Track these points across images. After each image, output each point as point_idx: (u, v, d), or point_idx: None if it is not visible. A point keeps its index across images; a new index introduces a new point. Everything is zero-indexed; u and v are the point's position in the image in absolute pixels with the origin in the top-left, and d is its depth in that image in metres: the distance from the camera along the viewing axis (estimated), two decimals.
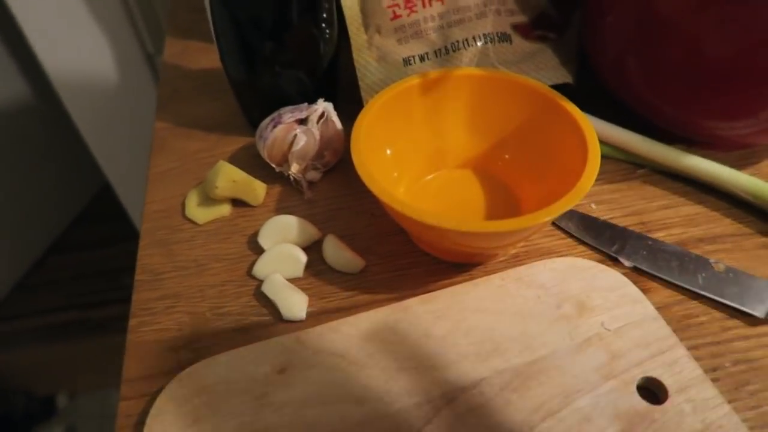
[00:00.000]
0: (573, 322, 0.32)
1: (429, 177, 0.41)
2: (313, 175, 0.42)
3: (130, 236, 1.35)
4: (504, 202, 0.39)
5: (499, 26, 0.43)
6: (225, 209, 0.41)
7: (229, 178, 0.39)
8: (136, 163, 1.05)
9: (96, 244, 1.66)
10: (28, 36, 0.84)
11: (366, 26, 0.44)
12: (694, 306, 0.33)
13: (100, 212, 1.72)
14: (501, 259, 0.37)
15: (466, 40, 0.43)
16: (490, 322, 0.32)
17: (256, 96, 0.45)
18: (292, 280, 0.36)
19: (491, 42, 0.43)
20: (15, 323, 1.53)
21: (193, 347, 0.34)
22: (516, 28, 0.44)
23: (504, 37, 0.43)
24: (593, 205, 0.40)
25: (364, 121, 0.36)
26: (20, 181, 1.50)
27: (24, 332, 1.51)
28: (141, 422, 0.30)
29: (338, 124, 0.42)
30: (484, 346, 0.31)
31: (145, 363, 0.33)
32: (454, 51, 0.43)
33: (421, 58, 0.43)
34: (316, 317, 0.35)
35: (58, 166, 1.59)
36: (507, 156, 0.40)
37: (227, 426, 0.29)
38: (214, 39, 0.44)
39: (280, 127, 0.40)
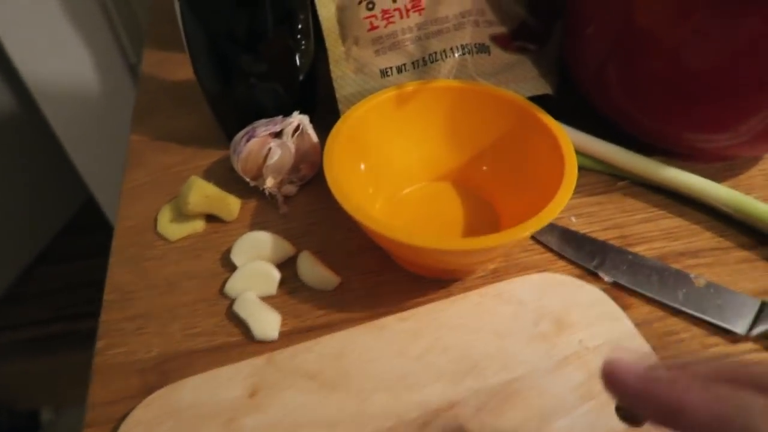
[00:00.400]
0: (551, 339, 0.31)
1: (407, 190, 0.40)
2: (289, 188, 0.42)
3: None
4: (483, 215, 0.38)
5: (478, 37, 0.43)
6: (198, 225, 0.40)
7: (202, 193, 0.39)
8: (120, 175, 1.04)
9: (82, 255, 1.64)
10: (9, 49, 0.83)
11: (343, 37, 0.43)
12: (675, 322, 0.33)
13: (86, 223, 1.70)
14: (480, 274, 0.36)
15: (444, 51, 0.42)
16: (467, 340, 0.31)
17: (232, 109, 0.45)
18: (266, 298, 0.36)
19: (469, 53, 0.42)
20: (1, 335, 1.50)
21: (162, 370, 0.33)
22: (495, 39, 0.43)
23: (482, 49, 0.43)
24: (573, 219, 0.39)
25: (338, 135, 0.35)
26: (5, 192, 1.48)
27: (9, 345, 1.49)
28: None
29: (314, 137, 0.41)
30: (461, 365, 0.30)
31: (111, 387, 0.32)
32: (432, 62, 0.42)
33: (399, 70, 0.43)
34: (289, 337, 0.34)
35: (43, 177, 1.57)
36: (485, 168, 0.39)
37: None
38: (187, 50, 0.43)
39: (254, 141, 0.39)
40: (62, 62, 0.85)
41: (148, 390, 0.32)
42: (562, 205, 0.30)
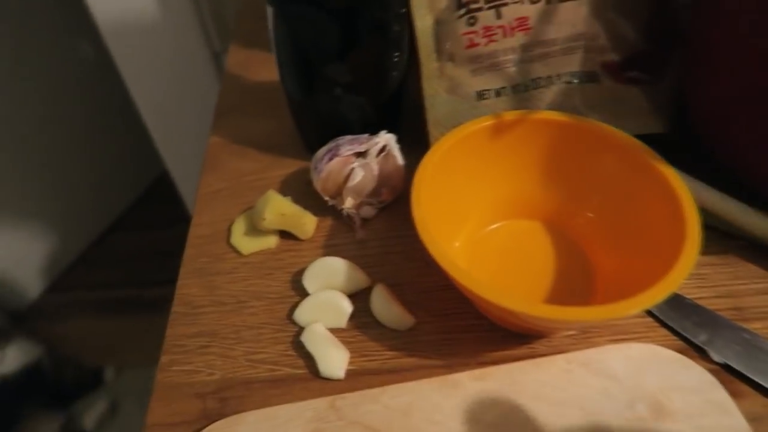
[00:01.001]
0: (647, 427, 0.27)
1: (494, 226, 0.37)
2: (368, 211, 0.39)
3: (185, 221, 1.38)
4: (575, 265, 0.35)
5: (588, 64, 0.39)
6: (271, 241, 0.38)
7: (278, 210, 0.37)
8: (193, 152, 1.06)
9: (153, 226, 1.71)
10: (101, 26, 0.85)
11: (439, 53, 0.40)
12: None
13: (159, 195, 1.77)
14: (569, 333, 0.33)
15: (549, 77, 0.39)
16: (549, 413, 0.28)
17: (314, 119, 0.43)
18: (334, 330, 0.34)
19: (577, 81, 0.39)
20: (73, 295, 1.59)
21: (222, 396, 0.31)
22: (606, 67, 0.39)
23: (592, 77, 0.39)
24: None
25: (427, 168, 0.32)
26: (89, 160, 1.56)
27: (81, 304, 1.57)
28: None
29: (399, 160, 0.39)
30: None
31: (170, 408, 0.31)
32: (534, 88, 0.39)
33: (497, 93, 0.40)
34: (355, 377, 0.32)
35: (123, 148, 1.64)
36: (590, 215, 0.35)
37: None
38: (274, 53, 0.41)
39: (336, 160, 0.37)
40: (149, 44, 0.87)
41: (206, 416, 0.31)
42: (683, 277, 0.26)
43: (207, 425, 0.30)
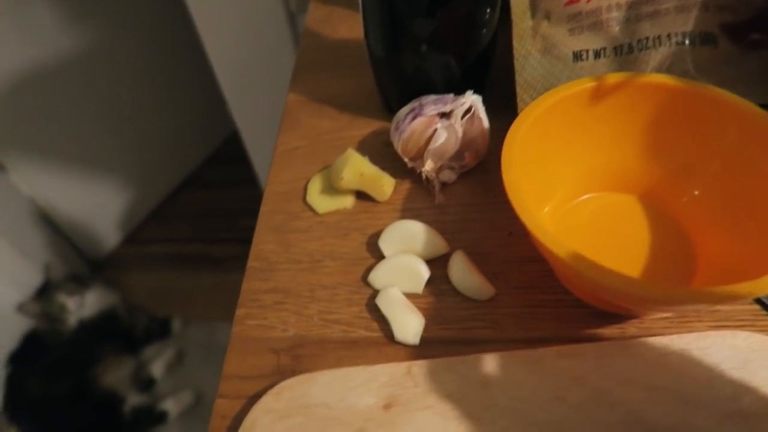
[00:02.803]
0: (753, 424, 0.25)
1: (585, 197, 0.35)
2: (448, 175, 0.38)
3: (253, 181, 1.41)
4: (673, 244, 0.32)
5: (705, 24, 0.35)
6: (348, 201, 0.38)
7: (357, 170, 0.36)
8: (264, 113, 1.07)
9: (221, 185, 1.76)
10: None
11: (533, 10, 0.37)
12: None
13: (229, 154, 1.81)
14: (664, 316, 0.30)
15: (658, 37, 0.35)
16: (641, 400, 0.26)
17: (397, 78, 0.41)
18: (410, 296, 0.33)
19: (691, 43, 0.35)
20: (146, 247, 1.67)
21: (295, 353, 0.31)
22: (725, 28, 0.35)
23: (708, 39, 0.35)
24: None
25: (519, 131, 0.30)
26: (166, 119, 1.62)
27: (152, 257, 1.65)
28: (234, 427, 0.29)
29: (485, 122, 0.37)
30: (632, 430, 0.25)
31: (245, 361, 0.31)
32: (639, 50, 0.35)
33: (596, 55, 0.36)
34: (430, 345, 0.31)
35: (196, 110, 1.69)
36: (696, 192, 0.32)
37: None
38: (360, 8, 0.40)
39: (419, 120, 0.35)
40: (227, 3, 0.87)
41: (280, 371, 0.31)
42: None
43: (280, 380, 0.29)
